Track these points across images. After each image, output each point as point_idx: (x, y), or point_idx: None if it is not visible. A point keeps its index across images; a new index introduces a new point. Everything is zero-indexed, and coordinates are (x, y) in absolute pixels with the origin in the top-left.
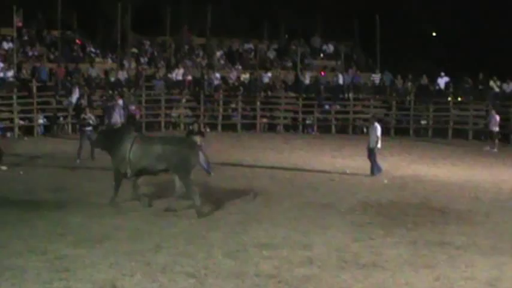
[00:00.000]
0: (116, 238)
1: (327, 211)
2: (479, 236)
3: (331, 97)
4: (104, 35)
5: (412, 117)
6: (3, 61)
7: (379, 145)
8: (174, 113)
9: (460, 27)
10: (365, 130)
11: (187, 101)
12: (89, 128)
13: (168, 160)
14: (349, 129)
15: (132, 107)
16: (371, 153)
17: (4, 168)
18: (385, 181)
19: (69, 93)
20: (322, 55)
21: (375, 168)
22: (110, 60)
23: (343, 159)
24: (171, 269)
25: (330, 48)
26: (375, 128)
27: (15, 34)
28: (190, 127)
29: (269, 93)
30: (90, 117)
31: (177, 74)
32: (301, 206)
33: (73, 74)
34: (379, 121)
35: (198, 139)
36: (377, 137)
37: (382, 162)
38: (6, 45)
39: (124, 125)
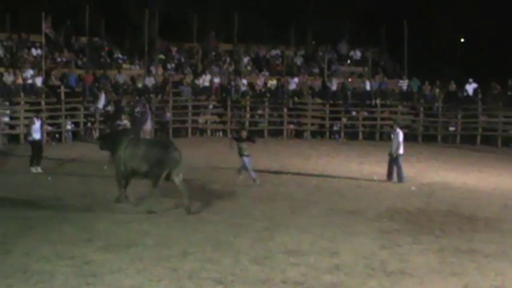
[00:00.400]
0: (143, 244)
1: (354, 218)
2: (508, 244)
3: (358, 103)
4: (131, 42)
5: (440, 123)
6: (32, 67)
7: (400, 151)
8: (201, 119)
9: (489, 33)
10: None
11: (214, 107)
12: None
13: (148, 161)
14: (377, 135)
15: (168, 115)
16: (393, 160)
17: (40, 170)
18: (413, 188)
19: (96, 99)
20: (349, 61)
21: (399, 175)
22: (137, 67)
23: (371, 166)
24: (197, 275)
25: (357, 54)
26: (397, 134)
27: (43, 41)
28: (238, 134)
29: (296, 99)
30: (126, 124)
31: (204, 80)
32: (328, 212)
33: (101, 80)
34: (402, 127)
35: (245, 146)
36: (398, 142)
37: (410, 168)
38: (35, 52)
39: (124, 128)
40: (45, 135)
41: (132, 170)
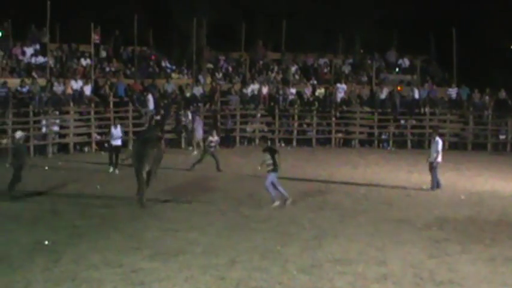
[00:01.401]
0: (190, 252)
1: (402, 227)
2: None
3: (407, 112)
4: (179, 51)
5: (490, 131)
6: (82, 77)
7: (439, 159)
8: (249, 128)
9: None
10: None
11: (262, 116)
12: (213, 146)
13: (134, 158)
14: (425, 144)
15: (230, 122)
16: (432, 167)
17: (116, 172)
18: (462, 197)
19: (145, 104)
20: (397, 69)
21: (434, 183)
22: (185, 76)
23: (419, 175)
24: (245, 284)
25: (406, 62)
26: (436, 142)
27: (92, 51)
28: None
29: (344, 108)
30: (217, 140)
31: (252, 89)
32: (376, 221)
33: (149, 89)
34: (441, 135)
35: (267, 159)
36: (437, 151)
37: (460, 177)
38: (84, 62)
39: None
40: (93, 144)
41: (135, 168)
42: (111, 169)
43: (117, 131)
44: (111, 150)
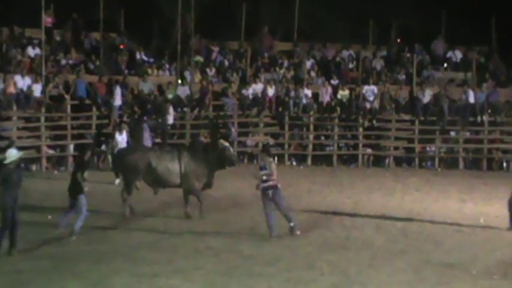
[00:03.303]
0: None
1: (452, 273)
2: None
3: (459, 121)
4: (159, 40)
5: None
6: (29, 72)
7: None
8: (250, 141)
9: None
10: (505, 165)
11: (268, 125)
12: None
13: None
14: (483, 163)
15: (234, 132)
16: None
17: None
18: None
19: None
20: (446, 65)
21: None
22: (167, 72)
23: (475, 205)
24: None
25: (457, 55)
26: None
27: (43, 37)
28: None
29: (375, 115)
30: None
31: (255, 90)
32: (418, 265)
33: (117, 89)
34: None
35: (263, 174)
36: None
37: None
38: (32, 52)
39: None
40: (44, 160)
41: None
42: (117, 181)
43: (122, 138)
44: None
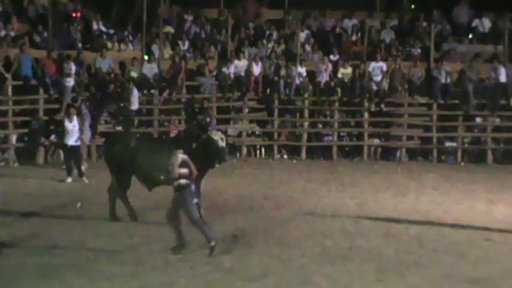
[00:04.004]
0: None
1: None
2: None
3: (487, 104)
4: (121, 7)
5: None
6: None
7: None
8: (232, 130)
9: None
10: None
11: (253, 110)
12: None
13: None
14: None
15: (210, 121)
16: None
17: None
18: None
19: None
20: (471, 36)
21: None
22: (130, 46)
23: (507, 207)
24: None
25: (485, 24)
26: None
27: None
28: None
29: (384, 98)
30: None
31: (237, 68)
32: (436, 281)
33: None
34: None
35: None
36: None
37: None
38: None
39: None
40: None
41: None
42: (69, 179)
43: (73, 125)
44: (67, 154)
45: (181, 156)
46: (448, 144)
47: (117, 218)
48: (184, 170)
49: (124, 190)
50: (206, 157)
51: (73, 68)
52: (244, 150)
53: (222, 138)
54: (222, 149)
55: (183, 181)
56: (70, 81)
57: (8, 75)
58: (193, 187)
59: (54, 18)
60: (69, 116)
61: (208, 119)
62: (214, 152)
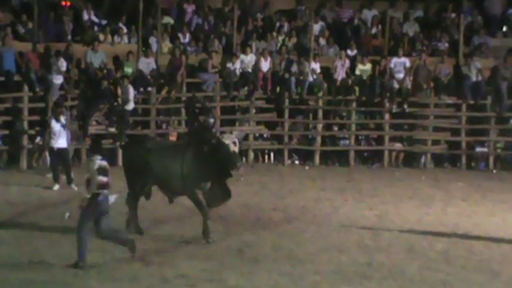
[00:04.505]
0: None
1: None
2: None
3: None
4: None
5: None
6: None
7: None
8: (237, 132)
9: None
10: None
11: (261, 110)
12: None
13: None
14: None
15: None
16: None
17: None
18: None
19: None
20: (505, 29)
21: None
22: (125, 39)
23: None
24: None
25: None
26: None
27: None
28: None
29: (407, 98)
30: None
31: (244, 64)
32: None
33: (57, 60)
34: None
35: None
36: None
37: None
38: None
39: None
40: None
41: None
42: (56, 186)
43: (61, 126)
44: (54, 158)
45: (99, 162)
46: (478, 149)
47: (141, 230)
48: (103, 178)
49: (135, 197)
50: (217, 165)
51: (63, 64)
52: (251, 155)
53: (234, 142)
54: (234, 154)
55: (98, 190)
56: (59, 79)
57: None
58: (114, 197)
59: (40, 7)
60: (56, 115)
61: (211, 121)
62: (225, 158)
